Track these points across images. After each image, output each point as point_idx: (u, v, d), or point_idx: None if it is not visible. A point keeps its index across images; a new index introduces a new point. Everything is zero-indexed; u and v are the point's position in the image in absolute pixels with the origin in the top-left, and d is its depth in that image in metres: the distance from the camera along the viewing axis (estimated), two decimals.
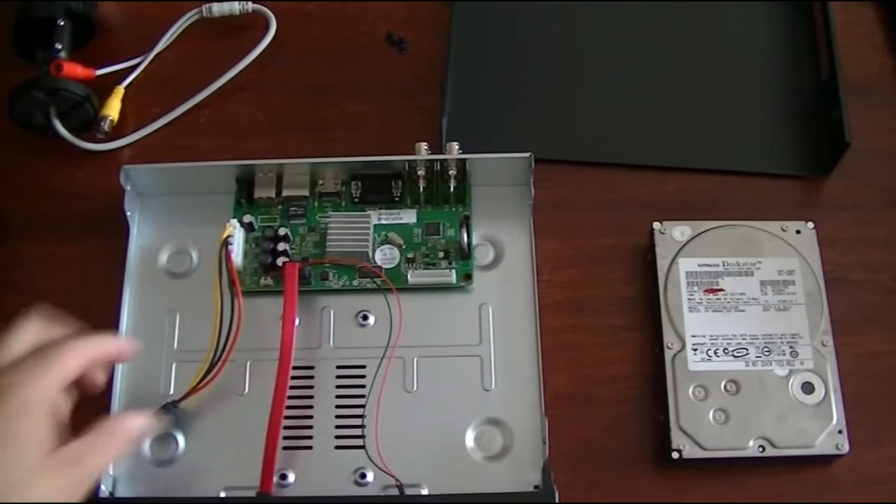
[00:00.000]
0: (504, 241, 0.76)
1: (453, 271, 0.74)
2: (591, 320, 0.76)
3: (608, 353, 0.75)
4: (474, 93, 0.85)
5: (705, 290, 0.74)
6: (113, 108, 0.84)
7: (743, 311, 0.73)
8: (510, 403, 0.71)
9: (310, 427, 0.70)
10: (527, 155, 0.75)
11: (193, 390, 0.70)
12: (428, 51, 0.87)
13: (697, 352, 0.72)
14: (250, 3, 0.88)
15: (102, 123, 0.83)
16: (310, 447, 0.69)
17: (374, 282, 0.74)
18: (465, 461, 0.69)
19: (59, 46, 0.83)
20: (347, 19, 0.90)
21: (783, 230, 0.76)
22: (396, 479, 0.67)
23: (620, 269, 0.78)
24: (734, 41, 0.89)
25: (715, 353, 0.72)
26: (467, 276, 0.74)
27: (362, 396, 0.70)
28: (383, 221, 0.77)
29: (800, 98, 0.85)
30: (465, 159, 0.76)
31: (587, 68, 0.87)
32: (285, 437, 0.69)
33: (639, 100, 0.85)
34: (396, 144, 0.78)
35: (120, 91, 0.85)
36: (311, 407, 0.71)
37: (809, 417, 0.69)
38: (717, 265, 0.74)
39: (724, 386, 0.70)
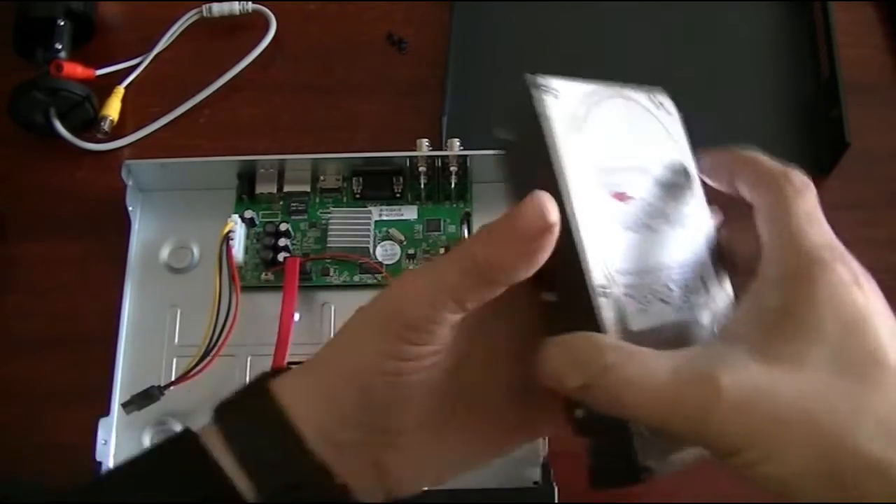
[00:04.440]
0: None
1: None
2: None
3: None
4: (474, 93, 0.85)
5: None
6: (113, 108, 0.84)
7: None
8: None
9: None
10: None
11: (181, 379, 0.69)
12: (428, 51, 0.88)
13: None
14: (250, 3, 0.88)
15: (102, 123, 0.83)
16: None
17: (375, 278, 0.74)
18: None
19: (59, 46, 0.84)
20: (347, 19, 0.90)
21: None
22: None
23: None
24: (734, 41, 0.89)
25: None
26: None
27: None
28: (384, 217, 0.77)
29: (800, 98, 0.85)
30: (465, 156, 0.76)
31: (587, 68, 0.86)
32: None
33: None
34: (396, 144, 0.78)
35: (120, 91, 0.85)
36: None
37: None
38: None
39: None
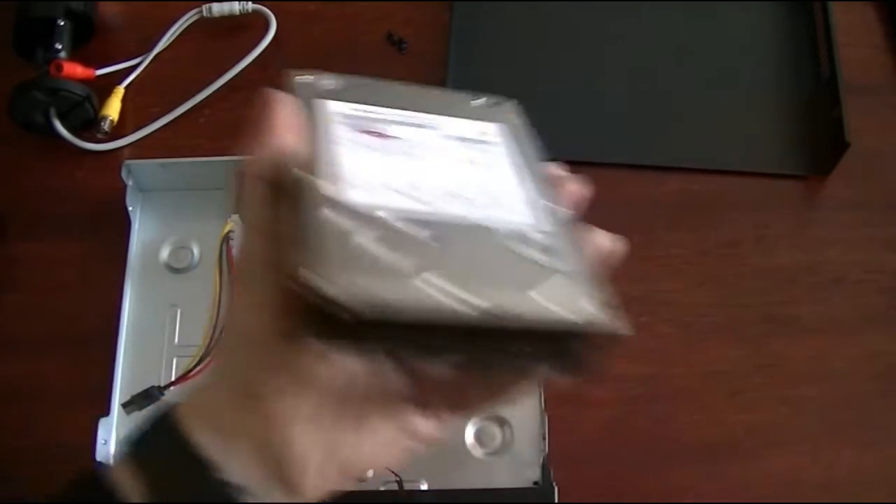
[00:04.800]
0: None
1: None
2: None
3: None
4: (474, 93, 0.84)
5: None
6: (113, 108, 0.84)
7: None
8: None
9: None
10: None
11: (181, 379, 0.70)
12: (428, 51, 0.88)
13: None
14: (250, 3, 0.88)
15: (102, 123, 0.83)
16: None
17: None
18: (464, 457, 0.69)
19: (59, 46, 0.84)
20: (347, 19, 0.90)
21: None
22: (396, 475, 0.67)
23: (620, 269, 0.77)
24: (734, 41, 0.89)
25: None
26: None
27: None
28: None
29: (800, 98, 0.85)
30: None
31: (587, 68, 0.87)
32: None
33: (639, 100, 0.85)
34: None
35: (120, 91, 0.85)
36: None
37: None
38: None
39: None
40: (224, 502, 0.43)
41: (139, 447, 0.45)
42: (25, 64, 0.84)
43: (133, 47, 0.88)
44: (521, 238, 0.44)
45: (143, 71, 0.86)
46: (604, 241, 0.46)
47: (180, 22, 0.88)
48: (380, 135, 0.48)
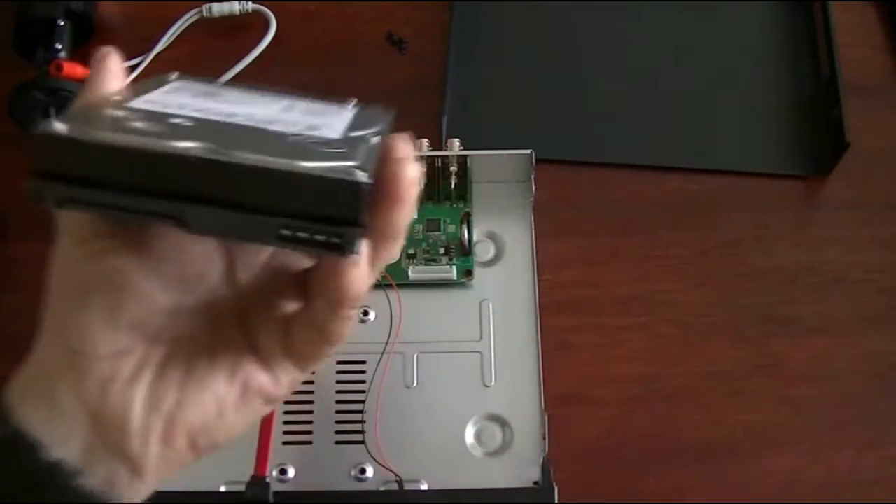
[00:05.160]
0: (505, 237, 0.77)
1: (454, 267, 0.74)
2: (591, 320, 0.76)
3: (608, 353, 0.74)
4: (474, 93, 0.85)
5: None
6: None
7: None
8: (510, 399, 0.71)
9: (310, 422, 0.70)
10: (528, 152, 0.75)
11: None
12: (428, 51, 0.88)
13: None
14: (250, 3, 0.88)
15: None
16: (310, 442, 0.69)
17: None
18: (464, 457, 0.69)
19: (59, 46, 0.83)
20: (347, 19, 0.90)
21: None
22: (396, 475, 0.67)
23: (620, 269, 0.78)
24: (734, 41, 0.89)
25: None
26: (468, 273, 0.74)
27: (362, 392, 0.70)
28: None
29: (800, 98, 0.85)
30: (466, 156, 0.76)
31: (587, 68, 0.87)
32: (285, 432, 0.69)
33: (639, 100, 0.85)
34: None
35: None
36: (310, 402, 0.71)
37: None
38: None
39: None
40: (55, 487, 0.41)
41: None
42: (25, 64, 0.84)
43: (133, 47, 0.87)
44: (311, 138, 0.42)
45: (143, 71, 0.86)
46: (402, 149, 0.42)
47: (180, 22, 0.88)
48: (214, 95, 0.46)
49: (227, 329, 0.46)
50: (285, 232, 0.39)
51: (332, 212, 0.39)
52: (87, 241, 0.43)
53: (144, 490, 0.44)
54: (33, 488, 0.41)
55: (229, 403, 0.45)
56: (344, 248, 0.39)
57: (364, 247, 0.41)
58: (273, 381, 0.46)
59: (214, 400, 0.44)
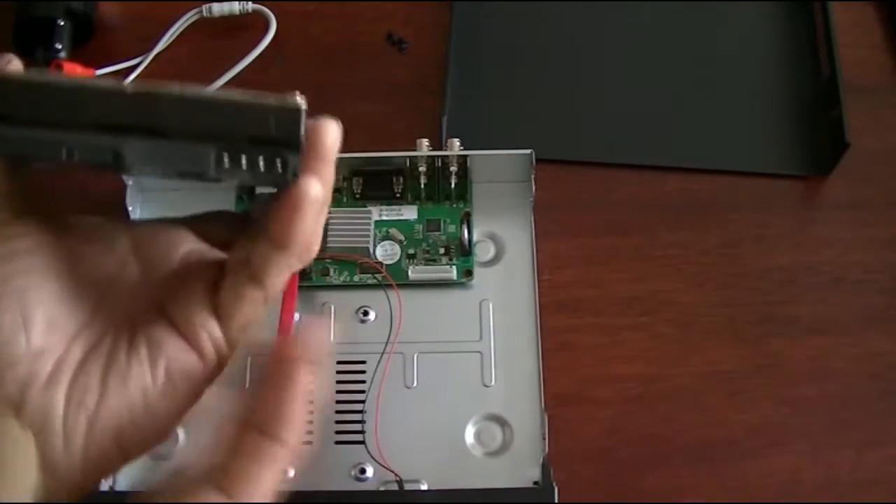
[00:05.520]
0: (505, 237, 0.77)
1: (454, 267, 0.74)
2: (591, 320, 0.76)
3: (608, 353, 0.74)
4: (474, 93, 0.85)
5: None
6: None
7: None
8: (510, 399, 0.71)
9: (309, 422, 0.69)
10: (528, 151, 0.75)
11: None
12: (428, 51, 0.88)
13: None
14: (250, 3, 0.88)
15: None
16: (309, 442, 0.69)
17: (375, 277, 0.74)
18: (464, 457, 0.69)
19: (59, 46, 0.83)
20: (347, 19, 0.90)
21: None
22: (396, 475, 0.67)
23: (620, 269, 0.78)
24: (734, 41, 0.89)
25: None
26: (468, 273, 0.74)
27: (362, 392, 0.70)
28: (384, 217, 0.77)
29: (800, 98, 0.85)
30: (466, 156, 0.76)
31: (587, 68, 0.87)
32: None
33: (639, 100, 0.85)
34: (396, 144, 0.78)
35: None
36: (310, 402, 0.70)
37: None
38: None
39: None
40: None
41: None
42: (25, 64, 0.84)
43: (133, 47, 0.87)
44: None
45: (143, 71, 0.86)
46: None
47: (180, 22, 0.88)
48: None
49: (145, 315, 0.46)
50: (226, 158, 0.40)
51: (272, 134, 0.40)
52: None
53: (67, 499, 0.43)
54: None
55: (154, 392, 0.45)
56: (286, 174, 0.41)
57: (313, 187, 0.43)
58: (199, 358, 0.46)
59: (139, 389, 0.44)
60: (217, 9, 0.88)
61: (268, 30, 0.87)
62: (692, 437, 0.71)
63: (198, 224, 0.51)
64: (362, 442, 0.68)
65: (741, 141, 0.83)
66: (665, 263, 0.78)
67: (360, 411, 0.69)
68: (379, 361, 0.71)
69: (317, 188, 0.44)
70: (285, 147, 0.41)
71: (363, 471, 0.68)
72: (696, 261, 0.78)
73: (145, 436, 0.45)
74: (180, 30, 0.88)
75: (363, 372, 0.71)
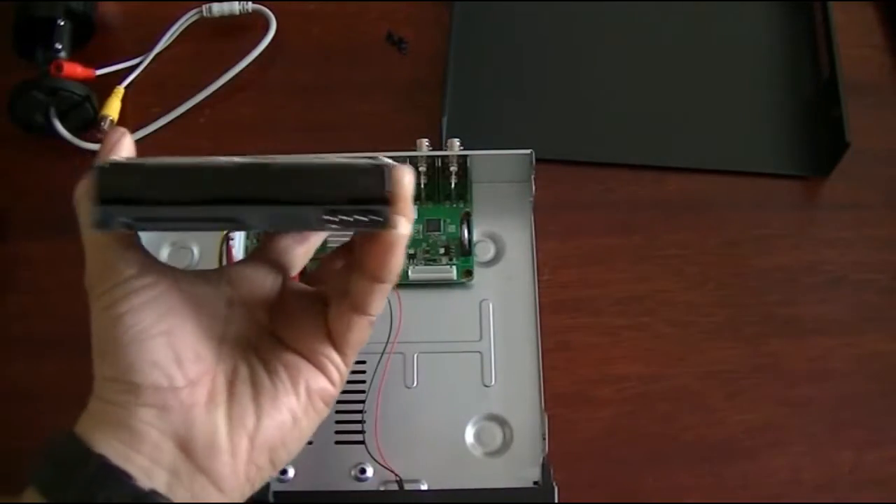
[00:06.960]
0: (505, 237, 0.76)
1: (454, 267, 0.74)
2: (591, 320, 0.76)
3: (608, 353, 0.74)
4: (474, 93, 0.85)
5: None
6: (113, 108, 0.83)
7: None
8: (510, 399, 0.70)
9: None
10: (528, 151, 0.75)
11: None
12: (428, 51, 0.88)
13: None
14: (250, 3, 0.88)
15: (102, 123, 0.82)
16: (309, 442, 0.69)
17: None
18: (464, 457, 0.69)
19: (59, 46, 0.83)
20: (347, 19, 0.90)
21: None
22: (396, 475, 0.67)
23: (620, 269, 0.78)
24: (734, 41, 0.89)
25: None
26: (468, 273, 0.74)
27: (362, 392, 0.70)
28: None
29: (800, 98, 0.85)
30: (465, 156, 0.76)
31: (587, 68, 0.87)
32: None
33: (639, 100, 0.85)
34: (396, 144, 0.78)
35: (120, 91, 0.85)
36: None
37: None
38: None
39: None
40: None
41: (47, 478, 0.49)
42: (25, 64, 0.84)
43: (133, 47, 0.87)
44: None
45: (143, 71, 0.86)
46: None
47: (180, 22, 0.88)
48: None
49: (263, 344, 0.53)
50: (328, 217, 0.46)
51: (365, 195, 0.46)
52: (136, 290, 0.50)
53: None
54: None
55: (300, 411, 0.53)
56: (384, 223, 0.47)
57: (403, 227, 0.49)
58: (328, 380, 0.55)
59: (288, 410, 0.52)
60: (217, 9, 0.88)
61: (268, 30, 0.87)
62: (692, 437, 0.71)
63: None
64: (362, 442, 0.68)
65: (741, 141, 0.83)
66: (665, 263, 0.78)
67: (361, 411, 0.69)
68: (379, 361, 0.71)
69: (406, 228, 0.49)
70: (377, 202, 0.47)
71: (363, 471, 0.68)
72: (696, 261, 0.78)
73: (290, 449, 0.53)
74: (180, 30, 0.88)
75: (363, 372, 0.70)
